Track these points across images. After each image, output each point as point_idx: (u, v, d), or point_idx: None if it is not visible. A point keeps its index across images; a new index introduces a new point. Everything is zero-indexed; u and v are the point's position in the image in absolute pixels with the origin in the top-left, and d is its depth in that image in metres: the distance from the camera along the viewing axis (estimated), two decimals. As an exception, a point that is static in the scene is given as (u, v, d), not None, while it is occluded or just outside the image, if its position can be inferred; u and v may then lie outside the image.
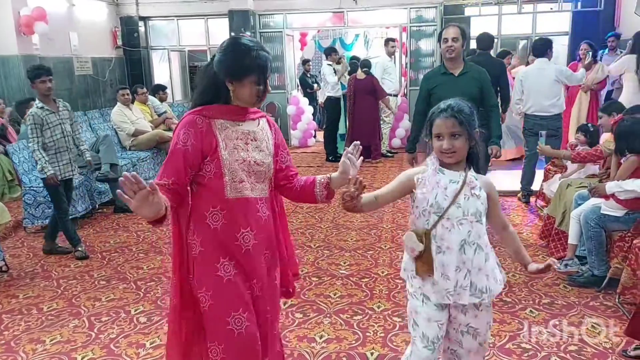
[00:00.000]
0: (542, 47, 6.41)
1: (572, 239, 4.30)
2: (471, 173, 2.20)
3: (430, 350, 2.23)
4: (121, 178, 1.76)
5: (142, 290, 4.22)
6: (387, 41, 9.96)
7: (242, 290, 2.16)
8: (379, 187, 6.46)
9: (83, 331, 3.60)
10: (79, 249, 5.02)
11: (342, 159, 2.27)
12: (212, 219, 2.13)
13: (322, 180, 2.30)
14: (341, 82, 9.84)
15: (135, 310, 3.87)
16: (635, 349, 3.13)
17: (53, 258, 5.01)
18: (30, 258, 5.09)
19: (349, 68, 10.05)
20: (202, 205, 2.14)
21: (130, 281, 4.42)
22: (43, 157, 4.75)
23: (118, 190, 1.79)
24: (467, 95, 3.68)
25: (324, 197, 2.30)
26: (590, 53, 7.35)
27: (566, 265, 4.25)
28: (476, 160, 2.24)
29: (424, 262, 2.20)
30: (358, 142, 2.32)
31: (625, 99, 6.48)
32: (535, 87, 6.24)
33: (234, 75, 2.09)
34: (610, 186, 3.91)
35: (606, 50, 8.18)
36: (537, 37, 7.44)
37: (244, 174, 2.13)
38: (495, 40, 11.27)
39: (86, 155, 5.28)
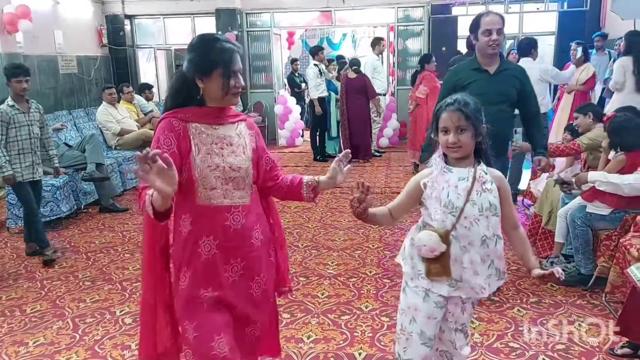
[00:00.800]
0: (526, 47, 6.46)
1: (558, 237, 4.31)
2: (480, 167, 2.18)
3: (428, 347, 2.24)
4: (137, 154, 1.71)
5: (128, 291, 4.18)
6: (378, 40, 9.95)
7: (221, 309, 2.14)
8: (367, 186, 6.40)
9: (67, 333, 3.55)
10: (47, 252, 4.85)
11: (332, 164, 2.27)
12: (183, 225, 2.12)
13: (310, 182, 2.30)
14: (332, 82, 9.80)
15: (121, 312, 3.83)
16: (622, 347, 3.14)
17: (37, 259, 4.95)
18: (14, 259, 5.03)
19: (337, 67, 10.03)
20: (177, 211, 2.11)
21: (116, 282, 4.38)
22: (3, 155, 4.67)
23: (135, 168, 1.72)
24: (503, 97, 3.65)
25: (311, 198, 2.32)
26: (580, 49, 7.36)
27: (552, 262, 4.26)
28: (485, 155, 2.23)
29: (441, 264, 2.17)
30: (349, 151, 2.33)
31: (620, 101, 6.46)
32: None
33: (201, 71, 2.05)
34: (594, 175, 3.91)
35: (594, 51, 8.18)
36: (523, 37, 7.43)
37: (218, 181, 2.08)
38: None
39: (54, 161, 5.19)
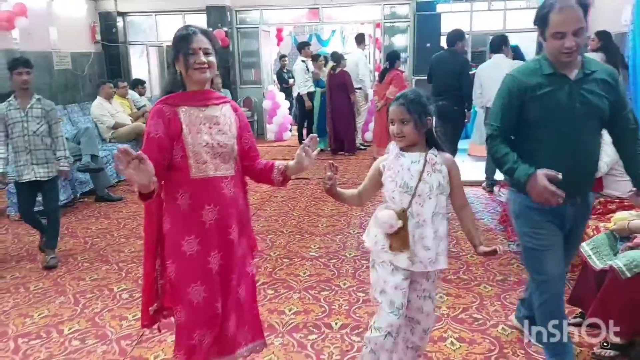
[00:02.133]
0: (497, 44, 6.76)
1: None
2: (432, 152, 2.46)
3: (396, 316, 2.44)
4: (115, 152, 1.99)
5: (124, 271, 4.48)
6: (361, 37, 10.24)
7: (203, 264, 2.39)
8: (351, 178, 6.76)
9: (69, 306, 3.86)
10: (51, 257, 4.69)
11: (298, 151, 2.51)
12: (181, 199, 2.36)
13: (280, 166, 2.57)
14: (321, 78, 10.05)
15: (118, 288, 4.13)
16: (575, 317, 3.46)
17: (37, 243, 5.22)
18: (15, 243, 5.32)
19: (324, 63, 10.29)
20: (173, 187, 2.38)
21: (113, 263, 4.68)
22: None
23: (115, 164, 2.04)
24: (592, 110, 2.61)
25: (280, 182, 2.58)
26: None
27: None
28: (435, 142, 2.48)
29: (399, 238, 2.43)
30: (315, 135, 2.58)
31: None
32: (493, 82, 6.56)
33: (173, 57, 2.37)
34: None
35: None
36: (494, 35, 7.70)
37: (208, 156, 2.35)
38: (467, 36, 11.66)
39: (61, 162, 4.77)
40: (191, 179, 2.35)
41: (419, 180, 2.40)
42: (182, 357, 2.44)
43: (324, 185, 2.49)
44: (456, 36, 6.96)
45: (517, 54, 8.19)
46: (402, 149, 2.48)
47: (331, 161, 2.45)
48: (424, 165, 2.42)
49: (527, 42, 10.56)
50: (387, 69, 8.51)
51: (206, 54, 2.34)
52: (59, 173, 4.80)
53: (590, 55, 6.40)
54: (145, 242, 2.52)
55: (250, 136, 2.61)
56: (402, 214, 2.41)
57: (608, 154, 4.05)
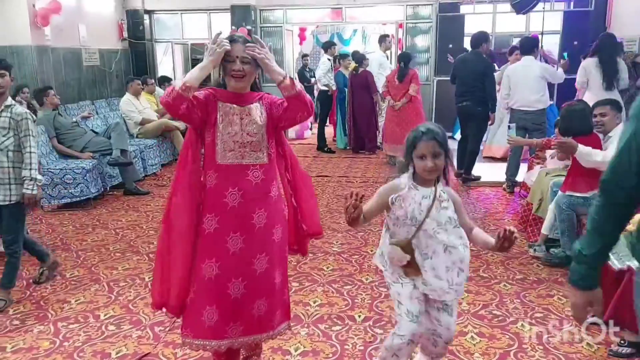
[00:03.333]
0: (529, 46, 6.81)
1: (545, 229, 4.71)
2: (440, 188, 2.51)
3: (415, 323, 2.53)
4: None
5: (155, 262, 4.62)
6: (384, 37, 10.33)
7: (219, 242, 2.55)
8: (372, 176, 6.85)
9: (104, 294, 4.04)
10: (43, 268, 4.31)
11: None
12: (208, 180, 2.58)
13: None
14: (346, 77, 10.13)
15: (149, 278, 4.28)
16: (593, 316, 3.53)
17: (71, 233, 5.46)
18: (50, 233, 5.52)
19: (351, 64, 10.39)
20: (204, 169, 2.60)
21: (143, 254, 4.86)
22: None
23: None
24: None
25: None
26: (566, 54, 7.63)
27: (535, 250, 4.66)
28: (444, 175, 2.54)
29: (411, 267, 2.50)
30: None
31: (590, 100, 6.65)
32: (521, 83, 6.63)
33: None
34: (582, 150, 4.23)
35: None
36: (524, 36, 7.77)
37: (236, 145, 2.54)
38: (490, 38, 11.70)
39: (26, 185, 3.80)
40: (217, 164, 2.55)
41: (426, 215, 2.45)
42: (189, 334, 2.60)
43: (348, 214, 2.41)
44: (481, 38, 7.05)
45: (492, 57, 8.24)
46: (415, 183, 2.51)
47: (355, 190, 2.42)
48: (433, 201, 2.47)
49: (550, 45, 10.56)
50: (404, 69, 8.60)
51: (243, 62, 2.50)
52: (22, 198, 3.83)
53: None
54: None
55: (278, 100, 2.68)
56: (407, 246, 2.48)
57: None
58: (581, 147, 4.26)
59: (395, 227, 2.54)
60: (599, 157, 4.14)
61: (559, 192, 4.51)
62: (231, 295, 2.58)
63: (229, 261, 2.57)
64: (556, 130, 5.79)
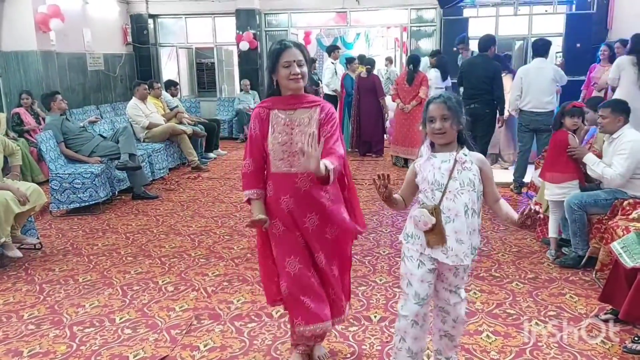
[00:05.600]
0: (543, 47, 6.80)
1: (552, 233, 4.71)
2: (462, 151, 2.59)
3: (420, 306, 2.60)
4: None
5: (167, 265, 4.66)
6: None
7: (291, 241, 2.77)
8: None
9: (118, 298, 4.04)
10: None
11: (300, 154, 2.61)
12: (269, 188, 2.78)
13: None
14: (353, 80, 10.14)
15: (163, 282, 4.31)
16: (606, 313, 3.56)
17: (81, 237, 5.46)
18: (60, 238, 5.52)
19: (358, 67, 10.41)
20: (266, 178, 2.80)
21: (155, 258, 4.86)
22: None
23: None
24: None
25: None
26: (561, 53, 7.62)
27: (551, 254, 4.65)
28: (466, 141, 2.63)
29: (436, 234, 2.54)
30: (314, 131, 2.65)
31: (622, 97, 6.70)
32: (534, 84, 6.62)
33: (270, 67, 2.69)
34: (588, 157, 4.40)
35: (598, 60, 8.25)
36: (537, 38, 7.74)
37: (285, 154, 2.68)
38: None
39: None
40: (272, 173, 2.75)
41: (450, 178, 2.54)
42: (301, 322, 2.82)
43: (380, 194, 2.56)
44: (489, 41, 7.06)
45: (499, 60, 8.23)
46: (433, 151, 2.62)
47: (381, 172, 2.53)
48: (454, 164, 2.55)
49: (552, 47, 10.60)
50: (413, 72, 8.63)
51: (299, 65, 2.63)
52: None
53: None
54: None
55: (331, 129, 2.73)
56: (435, 211, 2.54)
57: (621, 164, 4.18)
58: (589, 155, 4.41)
59: (424, 195, 2.62)
60: (598, 170, 4.31)
61: (570, 194, 4.51)
62: (314, 284, 2.81)
63: (305, 255, 2.80)
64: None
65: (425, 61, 9.71)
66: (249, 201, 2.78)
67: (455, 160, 2.56)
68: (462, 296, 2.73)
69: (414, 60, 8.72)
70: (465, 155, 2.58)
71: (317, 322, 2.80)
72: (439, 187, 2.54)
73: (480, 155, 2.66)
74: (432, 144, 2.64)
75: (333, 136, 2.72)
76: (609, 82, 6.75)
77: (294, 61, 2.62)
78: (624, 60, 6.58)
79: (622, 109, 4.32)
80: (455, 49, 9.55)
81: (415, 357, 2.69)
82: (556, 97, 7.09)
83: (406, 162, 8.66)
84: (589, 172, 4.43)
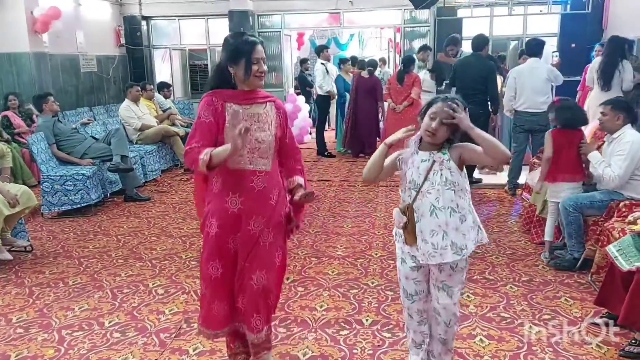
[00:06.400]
0: (536, 47, 6.78)
1: (547, 236, 4.67)
2: (442, 150, 2.54)
3: (410, 301, 2.72)
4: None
5: (158, 268, 4.61)
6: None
7: (220, 245, 2.64)
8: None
9: (107, 301, 3.99)
10: None
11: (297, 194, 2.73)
12: (215, 184, 2.64)
13: (292, 186, 2.81)
14: (346, 81, 10.14)
15: (153, 284, 4.26)
16: (601, 317, 3.52)
17: (72, 240, 5.41)
18: (51, 240, 5.46)
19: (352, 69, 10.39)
20: (210, 173, 2.62)
21: (146, 260, 4.81)
22: None
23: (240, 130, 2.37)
24: None
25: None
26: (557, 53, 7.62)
27: (545, 258, 4.61)
28: (450, 142, 2.58)
29: (409, 233, 2.58)
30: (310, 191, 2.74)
31: (597, 98, 6.53)
32: (528, 85, 6.59)
33: (231, 60, 2.58)
34: (593, 155, 4.36)
35: (593, 60, 8.25)
36: (530, 38, 7.71)
37: (245, 150, 2.54)
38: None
39: None
40: (225, 168, 2.57)
41: (425, 178, 2.53)
42: (201, 323, 2.80)
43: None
44: (483, 41, 7.04)
45: (492, 60, 8.19)
46: (419, 147, 2.60)
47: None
48: (432, 164, 2.53)
49: (546, 47, 10.59)
50: (404, 72, 8.63)
51: (264, 62, 2.59)
52: None
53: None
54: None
55: (290, 132, 2.81)
56: (408, 209, 2.56)
57: (619, 166, 4.15)
58: (595, 153, 4.38)
59: (403, 192, 2.65)
60: (600, 169, 4.27)
61: (563, 195, 4.48)
62: (230, 293, 2.74)
63: (231, 261, 2.70)
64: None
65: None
66: (209, 163, 2.46)
67: (434, 161, 2.54)
68: (454, 299, 2.68)
69: (405, 61, 8.73)
70: (444, 154, 2.54)
71: (215, 328, 2.76)
72: (415, 186, 2.55)
73: (463, 144, 2.59)
74: (420, 139, 2.62)
75: (292, 137, 2.86)
76: (587, 84, 6.79)
77: (261, 58, 2.57)
78: (593, 64, 6.68)
79: (622, 107, 4.28)
80: (443, 52, 9.40)
81: (420, 348, 2.83)
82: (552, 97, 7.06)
83: None
84: (590, 170, 4.41)
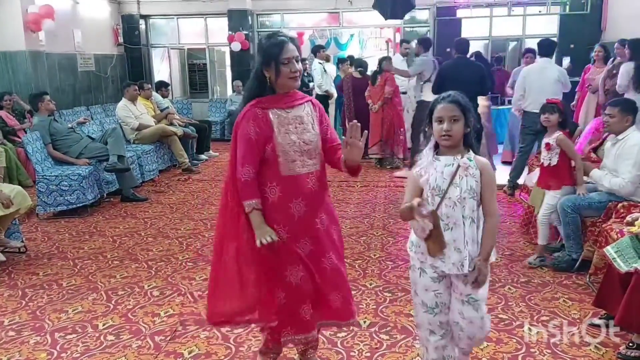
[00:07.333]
0: (548, 48, 6.72)
1: (541, 239, 4.60)
2: (467, 155, 2.46)
3: (430, 314, 2.56)
4: None
5: (153, 269, 4.57)
6: (401, 42, 10.27)
7: (292, 251, 2.60)
8: (372, 181, 6.80)
9: (102, 303, 3.95)
10: None
11: (342, 149, 2.56)
12: (270, 192, 2.56)
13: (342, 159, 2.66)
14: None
15: (149, 286, 4.22)
16: (600, 318, 3.49)
17: (67, 241, 5.37)
18: (45, 241, 5.42)
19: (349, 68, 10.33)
20: (262, 181, 2.56)
21: (142, 261, 4.77)
22: None
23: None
24: None
25: (348, 171, 2.67)
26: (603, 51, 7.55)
27: (530, 263, 4.55)
28: (471, 144, 2.51)
29: (435, 241, 2.39)
30: (355, 121, 2.54)
31: None
32: (536, 85, 6.53)
33: (264, 64, 2.50)
34: (596, 174, 4.34)
35: (593, 61, 8.04)
36: (543, 38, 7.63)
37: (296, 154, 2.54)
38: (486, 41, 11.71)
39: None
40: (281, 176, 2.55)
41: (450, 183, 2.41)
42: (290, 332, 2.71)
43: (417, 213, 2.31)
44: (467, 43, 7.04)
45: (479, 59, 8.14)
46: (437, 154, 2.49)
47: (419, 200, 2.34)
48: (457, 169, 2.42)
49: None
50: (378, 72, 8.67)
51: (297, 61, 2.50)
52: None
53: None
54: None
55: (330, 126, 2.73)
56: (433, 215, 2.34)
57: (629, 171, 4.11)
58: (594, 171, 4.36)
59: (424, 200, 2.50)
60: (606, 183, 4.22)
61: (560, 196, 4.44)
62: (312, 293, 2.67)
63: (306, 264, 2.63)
64: (544, 116, 5.67)
65: (396, 57, 9.57)
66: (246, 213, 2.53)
67: (459, 166, 2.43)
68: (481, 312, 2.54)
69: (380, 61, 8.78)
70: (470, 160, 2.45)
71: (306, 332, 2.71)
72: (439, 192, 2.42)
73: (485, 161, 2.52)
74: (436, 145, 2.52)
75: (333, 131, 2.75)
76: (619, 89, 6.53)
77: (293, 57, 2.48)
78: (630, 68, 6.44)
79: (631, 109, 4.23)
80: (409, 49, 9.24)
81: None
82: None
83: (380, 161, 8.80)
84: (599, 187, 4.34)
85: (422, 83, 8.11)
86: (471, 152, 2.49)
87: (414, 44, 9.16)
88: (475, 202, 2.44)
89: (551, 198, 4.45)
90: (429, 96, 7.66)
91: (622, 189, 4.14)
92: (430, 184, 2.45)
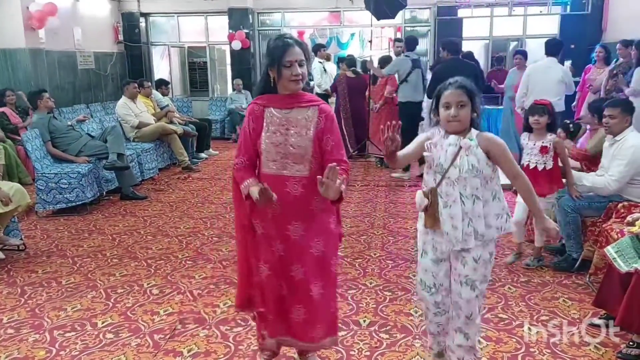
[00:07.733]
0: (555, 47, 6.70)
1: (538, 242, 4.56)
2: (469, 136, 2.52)
3: (427, 293, 2.72)
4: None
5: (153, 268, 4.56)
6: (395, 41, 10.23)
7: (266, 247, 2.66)
8: (372, 179, 6.80)
9: (101, 301, 3.94)
10: None
11: (319, 185, 2.37)
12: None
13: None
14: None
15: (148, 284, 4.21)
16: (600, 318, 3.49)
17: (67, 238, 5.36)
18: (45, 239, 5.40)
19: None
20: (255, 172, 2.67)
21: (141, 260, 4.76)
22: None
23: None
24: None
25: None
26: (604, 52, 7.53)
27: (527, 265, 4.54)
28: (476, 125, 2.57)
29: (430, 216, 2.59)
30: (334, 165, 2.35)
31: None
32: (539, 84, 6.51)
33: (268, 64, 2.54)
34: (580, 176, 4.36)
35: (593, 61, 8.12)
36: (550, 37, 7.62)
37: (278, 155, 2.55)
38: (487, 41, 11.70)
39: None
40: (262, 173, 2.62)
41: (451, 163, 2.51)
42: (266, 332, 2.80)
43: (386, 148, 2.48)
44: (460, 44, 7.03)
45: (469, 59, 8.13)
46: (445, 133, 2.58)
47: (393, 121, 2.46)
48: (459, 150, 2.50)
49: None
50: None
51: (300, 65, 2.49)
52: None
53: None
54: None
55: (334, 137, 2.60)
56: (431, 193, 2.57)
57: (618, 170, 4.10)
58: (577, 174, 4.40)
59: (427, 175, 2.65)
60: (588, 183, 4.29)
61: (563, 197, 4.44)
62: (277, 298, 2.72)
63: (277, 264, 2.67)
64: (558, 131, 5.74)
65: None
66: (247, 195, 2.55)
67: (460, 147, 2.51)
68: (477, 291, 2.62)
69: (380, 61, 8.73)
70: (472, 140, 2.51)
71: (284, 335, 2.76)
72: (441, 170, 2.53)
73: (489, 135, 2.58)
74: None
75: (337, 145, 2.60)
76: (631, 93, 6.28)
77: (296, 61, 2.47)
78: None
79: (630, 109, 4.23)
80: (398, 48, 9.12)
81: (436, 338, 2.86)
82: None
83: (380, 161, 8.70)
84: (578, 187, 4.36)
85: (399, 83, 7.97)
86: (473, 130, 2.55)
87: None
88: (479, 180, 2.51)
89: (545, 203, 4.44)
90: (403, 97, 7.72)
91: (605, 188, 4.17)
92: (435, 161, 2.56)
